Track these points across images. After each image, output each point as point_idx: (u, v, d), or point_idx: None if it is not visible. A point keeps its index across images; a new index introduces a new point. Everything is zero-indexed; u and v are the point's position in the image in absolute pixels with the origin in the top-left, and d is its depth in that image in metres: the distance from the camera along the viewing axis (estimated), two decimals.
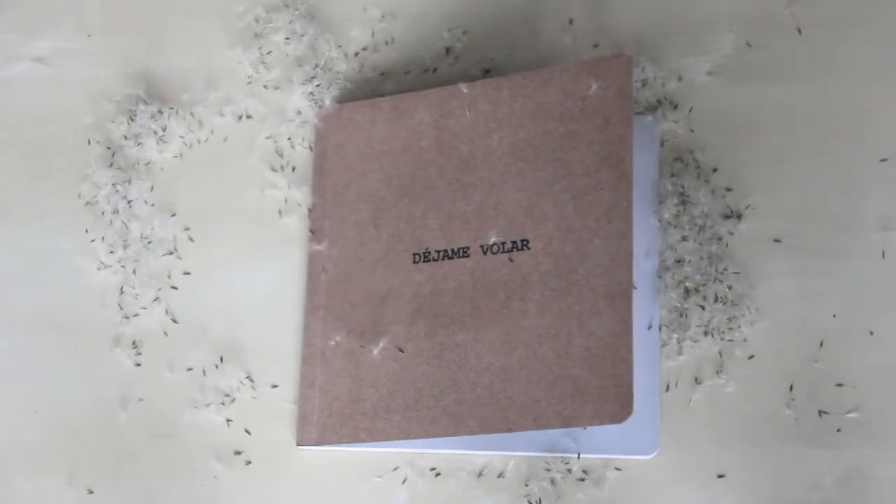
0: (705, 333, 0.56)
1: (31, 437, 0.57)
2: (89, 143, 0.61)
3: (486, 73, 0.60)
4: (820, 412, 0.55)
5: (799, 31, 0.60)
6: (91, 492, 0.56)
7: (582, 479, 0.55)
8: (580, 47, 0.61)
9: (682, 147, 0.59)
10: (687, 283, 0.56)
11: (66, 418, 0.57)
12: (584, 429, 0.54)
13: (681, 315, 0.56)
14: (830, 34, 0.60)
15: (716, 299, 0.56)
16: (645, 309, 0.56)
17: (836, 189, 0.58)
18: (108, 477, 0.56)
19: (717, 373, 0.56)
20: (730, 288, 0.56)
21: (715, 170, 0.58)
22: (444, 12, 0.62)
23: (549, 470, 0.55)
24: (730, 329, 0.56)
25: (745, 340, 0.56)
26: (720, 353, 0.56)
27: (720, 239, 0.57)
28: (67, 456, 0.56)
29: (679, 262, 0.57)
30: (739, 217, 0.57)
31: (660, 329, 0.56)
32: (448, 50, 0.61)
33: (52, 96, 0.62)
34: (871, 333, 0.56)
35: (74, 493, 0.56)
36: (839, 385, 0.56)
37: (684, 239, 0.57)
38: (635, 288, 0.53)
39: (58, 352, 0.58)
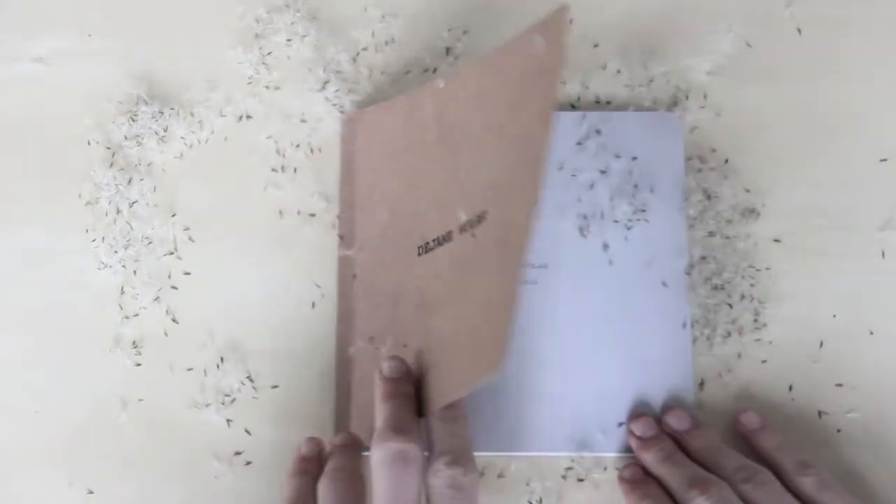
0: (728, 333, 0.56)
1: (31, 437, 0.57)
2: (89, 143, 0.61)
3: None
4: (820, 412, 0.55)
5: (799, 31, 0.60)
6: (91, 492, 0.56)
7: (581, 480, 0.55)
8: (580, 47, 0.61)
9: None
10: (714, 280, 0.57)
11: (66, 418, 0.57)
12: (604, 432, 0.54)
13: (708, 312, 0.56)
14: (830, 34, 0.60)
15: (742, 297, 0.56)
16: (679, 307, 0.56)
17: (836, 189, 0.58)
18: (108, 477, 0.56)
19: (727, 372, 0.56)
20: (752, 285, 0.57)
21: (713, 169, 0.58)
22: (444, 12, 0.62)
23: (551, 470, 0.55)
24: (756, 329, 0.56)
25: (766, 341, 0.56)
26: (739, 354, 0.56)
27: (728, 238, 0.57)
28: (67, 456, 0.56)
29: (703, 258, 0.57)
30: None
31: (692, 326, 0.56)
32: (448, 50, 0.61)
33: (52, 96, 0.62)
34: (871, 333, 0.56)
35: (74, 493, 0.56)
36: (839, 385, 0.56)
37: (711, 235, 0.57)
38: (665, 285, 0.54)
39: (58, 352, 0.58)
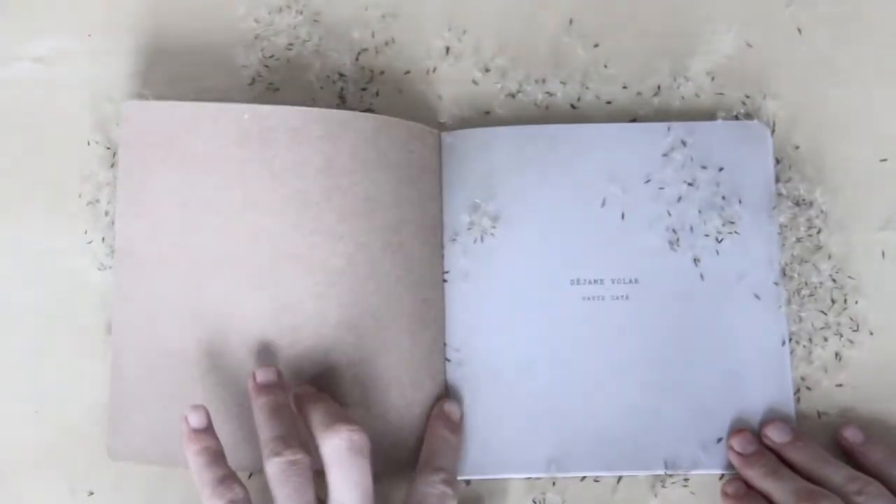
0: (826, 340, 0.56)
1: (31, 437, 0.57)
2: (89, 143, 0.61)
3: (486, 72, 0.60)
4: (820, 412, 0.55)
5: (799, 31, 0.61)
6: (91, 493, 0.56)
7: (582, 479, 0.55)
8: (580, 47, 0.61)
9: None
10: (803, 291, 0.57)
11: (66, 418, 0.57)
12: (704, 449, 0.54)
13: (802, 322, 0.56)
14: (830, 34, 0.60)
15: (833, 302, 0.57)
16: (773, 319, 0.55)
17: (836, 189, 0.58)
18: (108, 477, 0.56)
19: (825, 381, 0.56)
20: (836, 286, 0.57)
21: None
22: (444, 12, 0.62)
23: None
24: (852, 337, 0.56)
25: (861, 346, 0.56)
26: (838, 356, 0.56)
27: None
28: (67, 456, 0.56)
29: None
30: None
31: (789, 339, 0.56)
32: (448, 50, 0.61)
33: (52, 96, 0.62)
34: (871, 333, 0.56)
35: (74, 494, 0.56)
36: (839, 385, 0.56)
37: (799, 241, 0.57)
38: (757, 298, 0.55)
39: (58, 352, 0.58)
